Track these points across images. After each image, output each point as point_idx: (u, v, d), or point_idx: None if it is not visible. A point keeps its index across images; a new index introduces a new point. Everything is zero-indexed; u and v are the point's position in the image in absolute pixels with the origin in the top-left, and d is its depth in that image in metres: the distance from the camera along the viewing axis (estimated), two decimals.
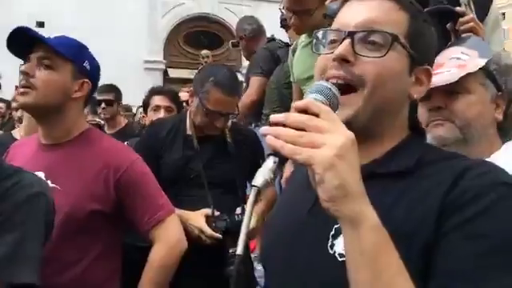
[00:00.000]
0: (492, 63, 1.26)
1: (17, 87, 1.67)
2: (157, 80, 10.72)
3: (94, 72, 1.70)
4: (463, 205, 0.74)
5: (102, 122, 4.61)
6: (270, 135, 0.69)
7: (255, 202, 0.69)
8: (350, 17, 0.88)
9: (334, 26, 0.89)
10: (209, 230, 2.00)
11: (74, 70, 1.62)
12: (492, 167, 0.81)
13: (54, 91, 1.58)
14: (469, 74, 1.22)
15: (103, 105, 4.05)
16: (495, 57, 1.28)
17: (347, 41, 0.84)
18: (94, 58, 1.72)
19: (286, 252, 0.89)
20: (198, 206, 2.06)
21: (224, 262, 1.98)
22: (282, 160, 0.70)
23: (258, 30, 3.64)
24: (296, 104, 0.73)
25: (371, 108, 0.84)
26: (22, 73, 1.55)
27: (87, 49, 1.71)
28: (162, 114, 2.94)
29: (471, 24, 1.64)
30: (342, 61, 0.83)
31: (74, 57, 1.62)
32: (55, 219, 1.48)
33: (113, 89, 4.17)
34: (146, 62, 10.59)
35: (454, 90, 1.23)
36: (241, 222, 2.28)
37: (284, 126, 0.70)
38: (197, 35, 11.37)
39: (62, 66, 1.59)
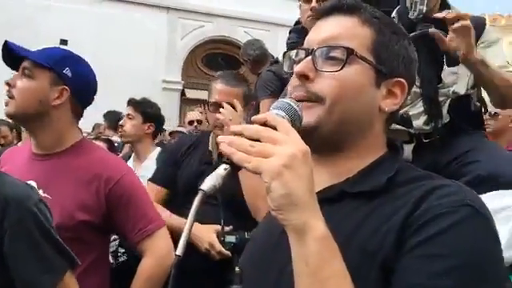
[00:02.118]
0: None
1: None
2: (174, 100, 10.88)
3: (76, 79, 1.67)
4: (424, 224, 0.73)
5: (118, 139, 4.68)
6: (223, 143, 0.71)
7: (200, 205, 0.71)
8: (313, 36, 0.91)
9: (304, 45, 0.92)
10: (219, 246, 1.97)
11: (53, 78, 1.63)
12: (459, 188, 0.79)
13: (30, 99, 1.61)
14: None
15: None
16: None
17: (308, 58, 0.87)
18: (81, 67, 1.71)
19: (257, 272, 0.89)
20: (207, 221, 2.03)
21: (228, 278, 1.89)
22: (234, 168, 0.71)
23: (262, 55, 3.71)
24: (255, 117, 0.75)
25: (334, 119, 0.84)
26: (6, 84, 1.63)
27: (74, 58, 1.71)
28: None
29: (454, 14, 1.64)
30: (302, 77, 0.86)
31: (54, 65, 1.64)
32: None
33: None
34: (164, 81, 10.77)
35: None
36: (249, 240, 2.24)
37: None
38: (215, 57, 11.55)
39: (40, 74, 1.62)
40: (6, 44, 1.64)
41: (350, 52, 0.85)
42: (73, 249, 1.55)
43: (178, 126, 6.82)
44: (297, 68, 0.87)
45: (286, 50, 3.30)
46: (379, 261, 0.74)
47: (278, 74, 3.33)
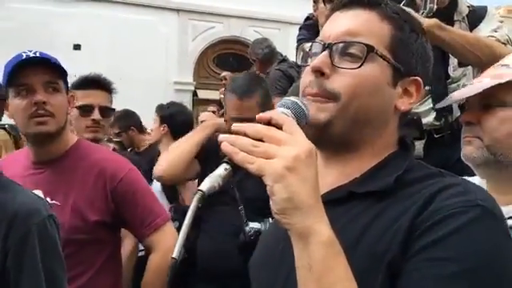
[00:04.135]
0: None
1: None
2: (186, 100, 10.91)
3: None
4: (432, 226, 0.70)
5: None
6: (225, 142, 0.68)
7: (198, 207, 0.68)
8: (330, 28, 0.88)
9: (319, 37, 0.89)
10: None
11: (65, 86, 1.64)
12: (469, 187, 0.76)
13: (64, 114, 1.61)
14: (508, 84, 1.09)
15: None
16: None
17: (325, 52, 0.84)
18: None
19: (265, 274, 0.88)
20: (227, 221, 2.01)
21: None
22: (235, 168, 0.69)
23: (270, 54, 3.73)
24: (260, 115, 0.72)
25: (348, 118, 0.82)
26: (39, 102, 1.53)
27: None
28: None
29: None
30: (318, 73, 0.83)
31: (64, 73, 1.61)
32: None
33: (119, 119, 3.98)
34: (176, 83, 10.82)
35: (489, 103, 1.13)
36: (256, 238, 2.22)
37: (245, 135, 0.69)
38: (226, 57, 11.56)
39: (61, 85, 1.61)
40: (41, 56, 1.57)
41: (369, 49, 0.82)
42: (88, 250, 1.59)
43: None
44: (313, 63, 0.83)
45: (296, 47, 3.34)
46: (386, 263, 0.71)
47: (286, 73, 3.34)
